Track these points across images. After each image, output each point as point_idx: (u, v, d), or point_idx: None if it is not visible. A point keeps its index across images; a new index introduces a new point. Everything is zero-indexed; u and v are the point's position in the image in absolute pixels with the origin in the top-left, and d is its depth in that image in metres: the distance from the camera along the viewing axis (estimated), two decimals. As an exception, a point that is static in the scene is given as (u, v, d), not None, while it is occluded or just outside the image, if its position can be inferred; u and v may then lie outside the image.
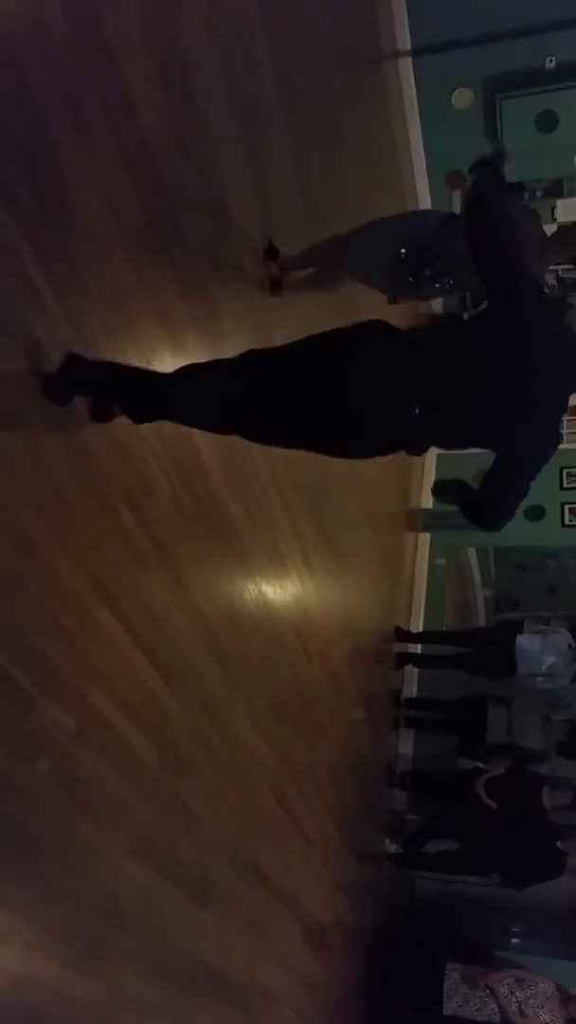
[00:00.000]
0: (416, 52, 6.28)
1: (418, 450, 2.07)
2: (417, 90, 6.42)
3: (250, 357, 2.07)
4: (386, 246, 3.10)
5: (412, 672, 6.46)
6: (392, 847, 5.71)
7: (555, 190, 6.81)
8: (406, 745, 6.22)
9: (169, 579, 2.55)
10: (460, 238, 2.65)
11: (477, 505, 2.20)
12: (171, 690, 2.52)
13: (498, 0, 5.99)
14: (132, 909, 2.31)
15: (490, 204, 2.06)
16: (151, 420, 2.19)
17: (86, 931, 2.07)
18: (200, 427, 2.30)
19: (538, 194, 6.91)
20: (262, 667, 3.33)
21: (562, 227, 3.15)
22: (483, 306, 2.05)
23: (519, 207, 3.14)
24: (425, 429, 1.98)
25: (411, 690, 6.41)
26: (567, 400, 2.06)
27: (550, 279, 7.57)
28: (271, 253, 3.36)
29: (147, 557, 2.38)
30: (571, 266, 3.11)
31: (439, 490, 2.38)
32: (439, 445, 2.13)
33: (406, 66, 6.34)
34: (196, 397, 2.07)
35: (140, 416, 2.14)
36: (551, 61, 6.02)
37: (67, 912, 1.99)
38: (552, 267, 2.80)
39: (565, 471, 7.21)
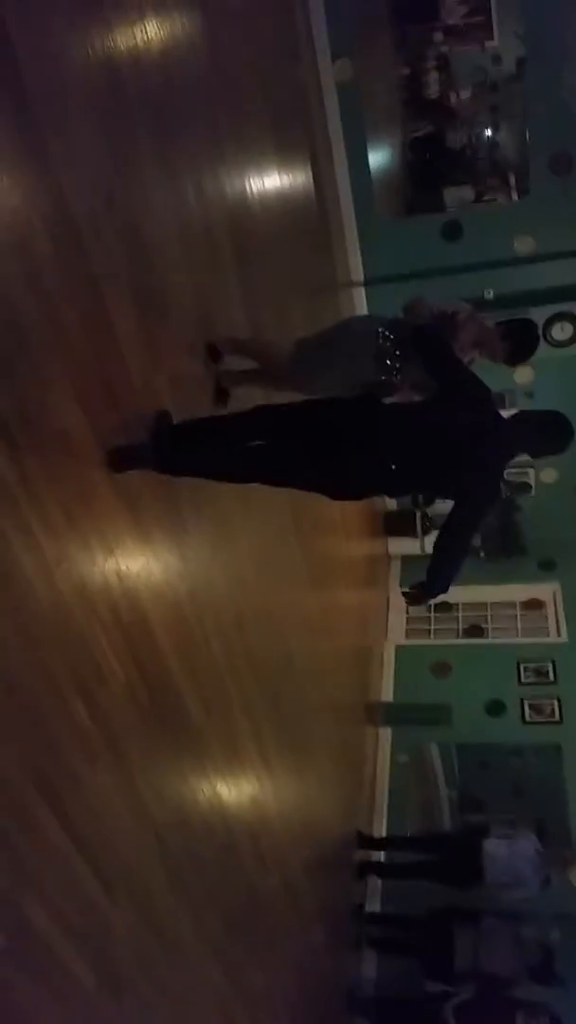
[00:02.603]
0: (369, 282, 7.03)
1: (396, 494, 2.99)
2: (368, 312, 7.09)
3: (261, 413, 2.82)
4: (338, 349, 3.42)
5: (375, 883, 6.11)
6: None
7: (498, 402, 7.43)
8: (369, 967, 5.75)
9: (118, 777, 2.45)
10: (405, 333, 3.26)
11: (440, 553, 2.78)
12: (114, 903, 2.36)
13: (441, 242, 6.82)
14: None
15: (435, 338, 3.03)
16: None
17: None
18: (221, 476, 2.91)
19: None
20: (214, 878, 3.14)
21: (494, 329, 3.45)
22: (435, 394, 2.90)
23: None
24: (401, 480, 2.75)
25: (374, 904, 6.02)
26: (505, 461, 2.88)
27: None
28: (212, 353, 3.42)
29: (96, 752, 2.31)
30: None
31: (411, 593, 2.87)
32: (408, 492, 2.76)
33: (359, 293, 7.08)
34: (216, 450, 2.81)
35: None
36: (489, 293, 6.74)
37: None
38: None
39: (522, 666, 7.24)
